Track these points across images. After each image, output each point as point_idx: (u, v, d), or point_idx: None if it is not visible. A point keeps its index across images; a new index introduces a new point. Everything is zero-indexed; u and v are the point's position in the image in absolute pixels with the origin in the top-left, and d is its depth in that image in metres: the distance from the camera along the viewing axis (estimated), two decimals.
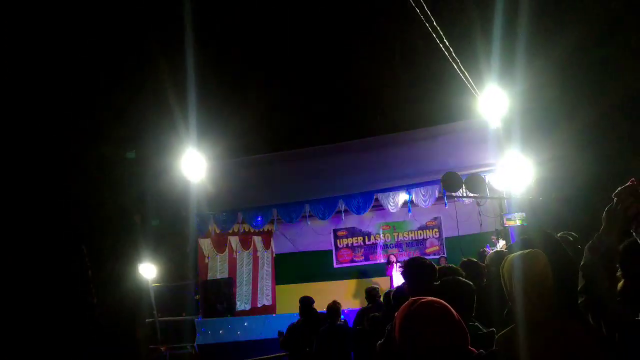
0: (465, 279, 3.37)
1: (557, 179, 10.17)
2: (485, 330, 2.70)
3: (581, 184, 10.92)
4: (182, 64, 12.38)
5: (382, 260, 13.20)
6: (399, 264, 11.65)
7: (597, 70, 12.52)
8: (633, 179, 1.75)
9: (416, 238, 13.43)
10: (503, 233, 10.08)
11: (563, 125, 11.61)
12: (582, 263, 1.94)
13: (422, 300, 1.78)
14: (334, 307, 6.74)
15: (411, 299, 1.81)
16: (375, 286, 7.62)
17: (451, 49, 6.97)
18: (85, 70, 14.14)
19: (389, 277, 12.04)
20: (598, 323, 1.87)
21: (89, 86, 14.21)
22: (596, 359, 2.08)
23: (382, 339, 3.61)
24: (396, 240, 13.51)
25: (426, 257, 6.17)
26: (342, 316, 7.53)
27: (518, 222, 7.68)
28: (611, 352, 1.91)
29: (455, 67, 7.31)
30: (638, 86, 11.52)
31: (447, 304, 1.79)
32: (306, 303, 6.83)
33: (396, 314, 1.82)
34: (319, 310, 6.99)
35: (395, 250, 13.05)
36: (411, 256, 12.52)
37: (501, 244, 10.01)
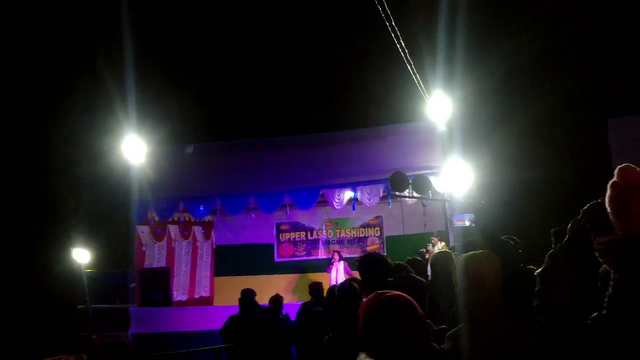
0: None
1: (495, 183, 10.55)
2: (436, 328, 2.75)
3: (517, 188, 11.40)
4: (121, 48, 12.00)
5: (324, 256, 13.24)
6: (349, 263, 11.63)
7: (533, 76, 13.14)
8: (600, 199, 1.87)
9: (358, 236, 13.57)
10: (445, 234, 10.34)
11: (501, 130, 12.10)
12: (542, 268, 2.03)
13: (388, 293, 1.79)
14: (277, 300, 6.71)
15: (376, 292, 1.82)
16: (319, 281, 7.64)
17: (406, 50, 7.10)
18: (20, 54, 13.45)
19: (328, 275, 12.04)
20: (549, 325, 1.95)
21: (23, 69, 13.52)
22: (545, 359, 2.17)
23: (323, 333, 3.61)
24: (338, 236, 13.61)
25: None
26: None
27: (467, 224, 7.94)
28: (560, 352, 1.99)
29: (409, 68, 7.44)
30: (570, 90, 12.15)
31: (411, 298, 1.80)
32: (248, 295, 6.76)
33: (360, 307, 1.83)
34: (259, 303, 6.93)
35: (337, 247, 13.14)
36: (353, 253, 12.73)
37: (440, 245, 10.27)
